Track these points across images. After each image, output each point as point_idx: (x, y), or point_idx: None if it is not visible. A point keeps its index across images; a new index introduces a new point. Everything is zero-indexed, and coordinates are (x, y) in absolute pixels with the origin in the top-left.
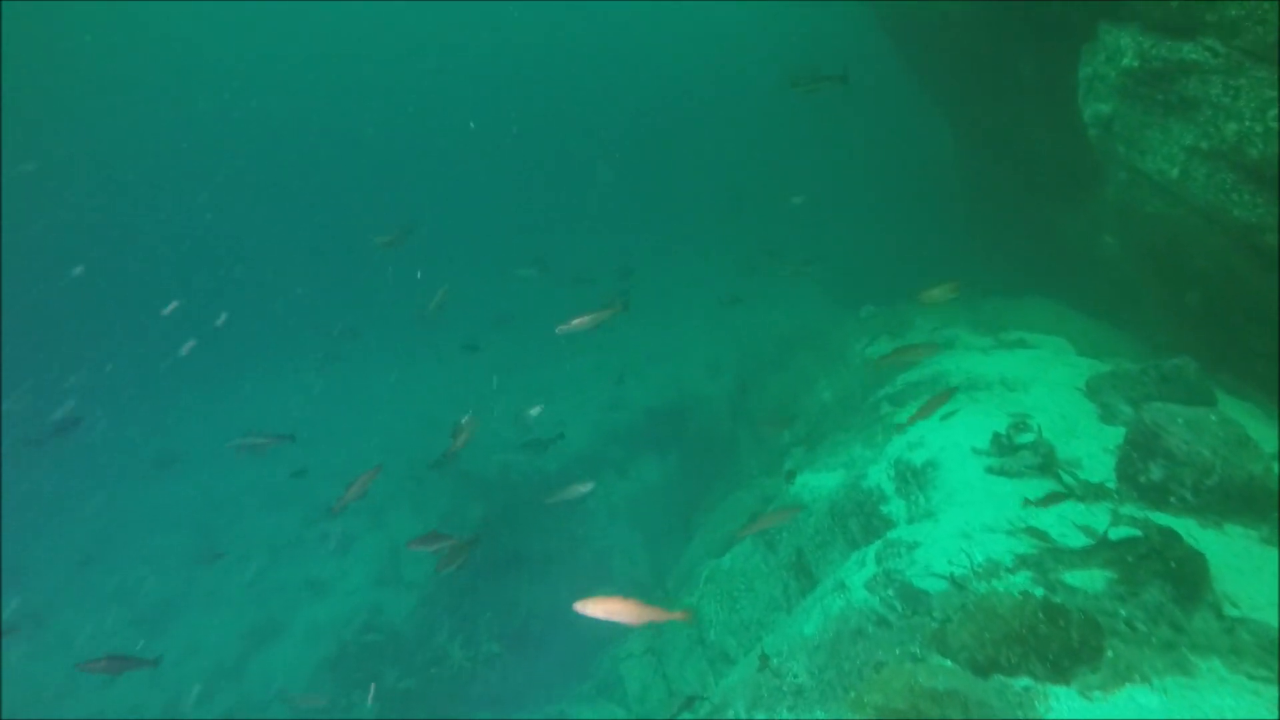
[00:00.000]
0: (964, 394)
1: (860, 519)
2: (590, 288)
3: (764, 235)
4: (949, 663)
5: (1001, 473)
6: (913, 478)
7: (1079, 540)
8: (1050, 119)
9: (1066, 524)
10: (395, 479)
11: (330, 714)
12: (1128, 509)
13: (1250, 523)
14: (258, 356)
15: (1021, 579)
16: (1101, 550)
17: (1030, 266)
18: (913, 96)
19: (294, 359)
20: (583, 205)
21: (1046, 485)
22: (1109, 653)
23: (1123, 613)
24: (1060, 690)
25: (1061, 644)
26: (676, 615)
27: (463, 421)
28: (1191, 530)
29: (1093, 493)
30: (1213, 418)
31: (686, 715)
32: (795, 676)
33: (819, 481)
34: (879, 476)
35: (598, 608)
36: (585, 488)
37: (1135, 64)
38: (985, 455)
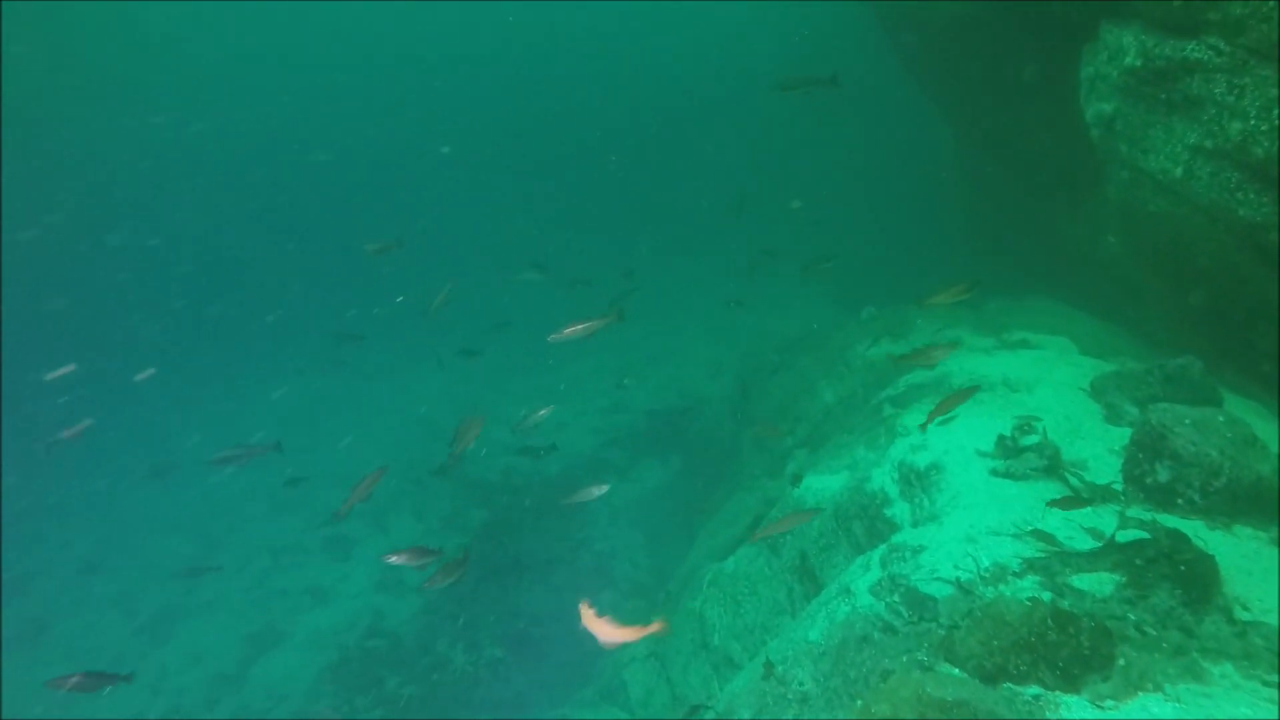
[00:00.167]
0: None
1: (864, 522)
2: (588, 289)
3: (764, 236)
4: (957, 671)
5: (1006, 475)
6: (916, 480)
7: (1086, 543)
8: (1051, 119)
9: (1073, 527)
10: (397, 483)
11: None
12: (1135, 511)
13: (1259, 524)
14: (259, 360)
15: (1029, 583)
16: (1109, 553)
17: (1032, 267)
18: (913, 97)
19: (295, 361)
20: (583, 207)
21: (1052, 487)
22: (1120, 660)
23: (1132, 617)
24: (1071, 700)
25: (1072, 651)
26: (652, 628)
27: (468, 421)
28: (1200, 532)
29: (1099, 495)
30: (1220, 418)
31: None
32: (800, 684)
33: (822, 484)
34: (882, 479)
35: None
36: (601, 490)
37: (1138, 63)
38: (989, 457)
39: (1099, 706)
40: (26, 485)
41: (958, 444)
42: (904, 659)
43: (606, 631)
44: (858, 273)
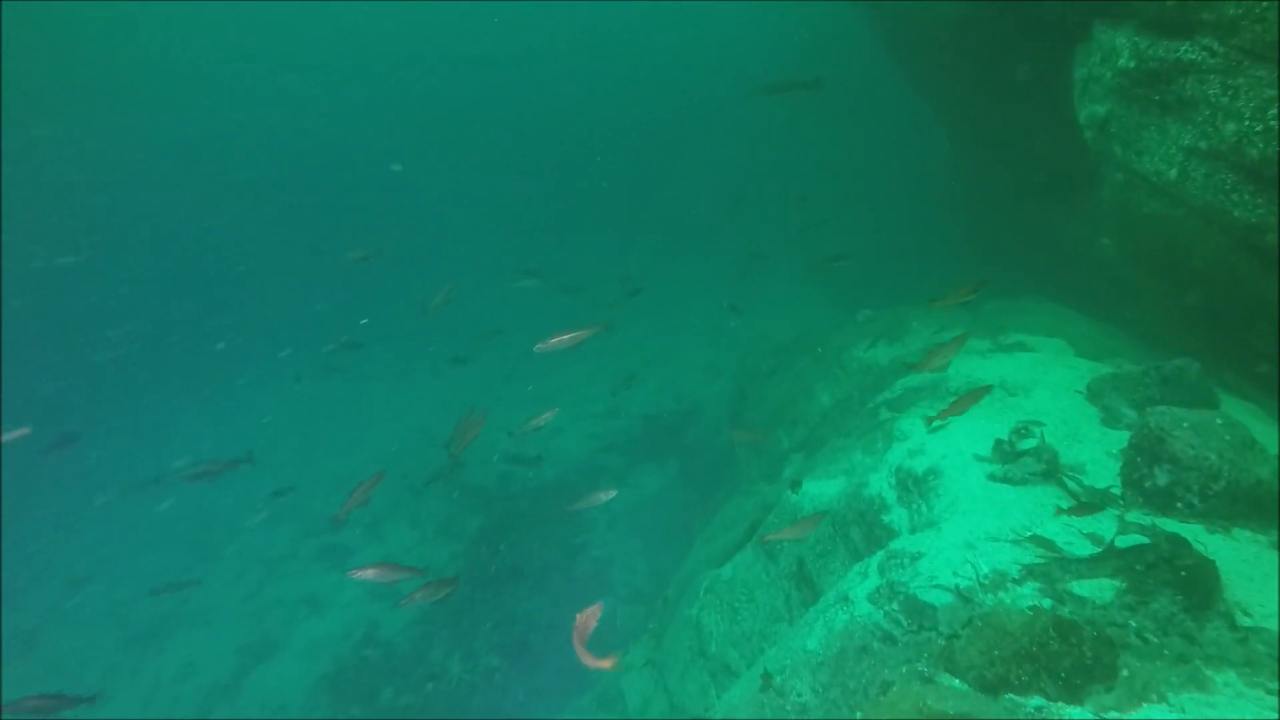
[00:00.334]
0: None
1: (862, 528)
2: (580, 296)
3: (759, 238)
4: (957, 682)
5: (1004, 480)
6: (914, 486)
7: (1085, 548)
8: (1046, 121)
9: (1072, 532)
10: (391, 490)
11: None
12: (1134, 515)
13: (1258, 527)
14: (253, 369)
15: (1029, 590)
16: (1109, 559)
17: (1028, 268)
18: (909, 99)
19: (293, 368)
20: (582, 209)
21: (1050, 492)
22: (1124, 670)
23: (1133, 624)
24: (1074, 711)
25: (1074, 661)
26: (603, 664)
27: (468, 420)
28: (1199, 536)
29: (1098, 499)
30: (1218, 421)
31: None
32: (799, 695)
33: (819, 489)
34: (880, 484)
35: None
36: (608, 495)
37: (1131, 64)
38: (987, 462)
39: (1103, 718)
40: (20, 497)
41: (955, 449)
42: (904, 670)
43: (587, 659)
44: (855, 274)
